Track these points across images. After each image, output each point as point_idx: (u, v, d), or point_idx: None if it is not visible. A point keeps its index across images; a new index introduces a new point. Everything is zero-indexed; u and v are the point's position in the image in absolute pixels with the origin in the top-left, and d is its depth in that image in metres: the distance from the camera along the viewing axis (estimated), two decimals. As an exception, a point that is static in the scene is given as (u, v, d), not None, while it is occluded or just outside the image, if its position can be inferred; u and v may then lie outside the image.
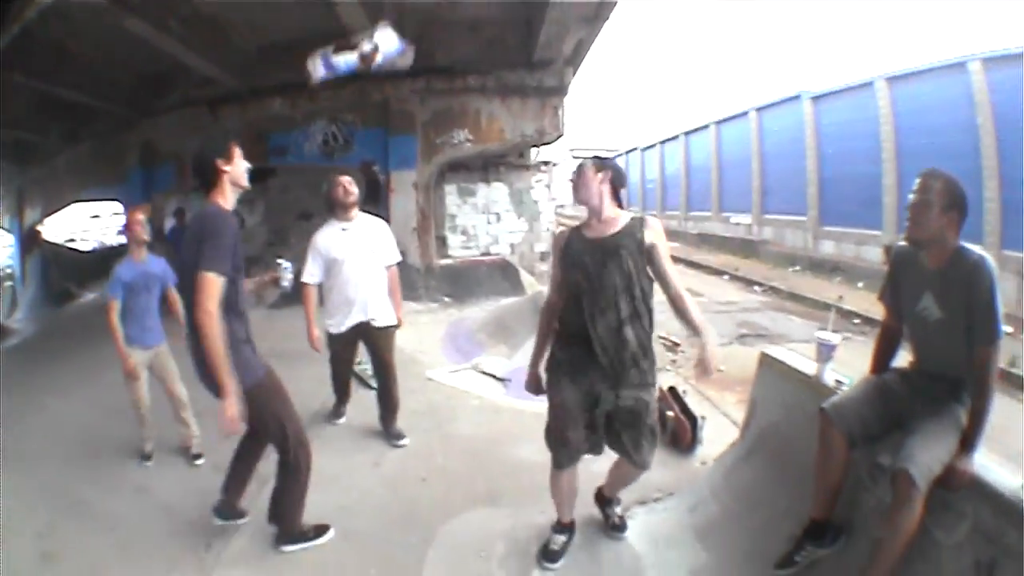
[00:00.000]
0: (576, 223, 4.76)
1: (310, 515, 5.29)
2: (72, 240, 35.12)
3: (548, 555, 4.72)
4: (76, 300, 22.11)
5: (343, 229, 6.94)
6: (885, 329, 4.23)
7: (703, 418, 6.52)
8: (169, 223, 18.38)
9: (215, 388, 4.35)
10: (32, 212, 25.14)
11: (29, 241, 25.73)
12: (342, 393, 7.80)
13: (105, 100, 17.13)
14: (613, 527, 5.04)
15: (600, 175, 4.51)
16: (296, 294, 14.07)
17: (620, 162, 40.49)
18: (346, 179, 6.93)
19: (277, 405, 4.84)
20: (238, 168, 4.66)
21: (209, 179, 4.60)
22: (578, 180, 4.60)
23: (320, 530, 5.24)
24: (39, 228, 25.94)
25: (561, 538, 4.81)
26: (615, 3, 12.03)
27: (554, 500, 4.88)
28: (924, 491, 3.30)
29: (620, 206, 4.58)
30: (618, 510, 5.15)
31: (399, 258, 7.34)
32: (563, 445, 4.60)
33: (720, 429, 6.60)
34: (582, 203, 4.59)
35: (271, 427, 4.88)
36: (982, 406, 3.51)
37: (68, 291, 23.30)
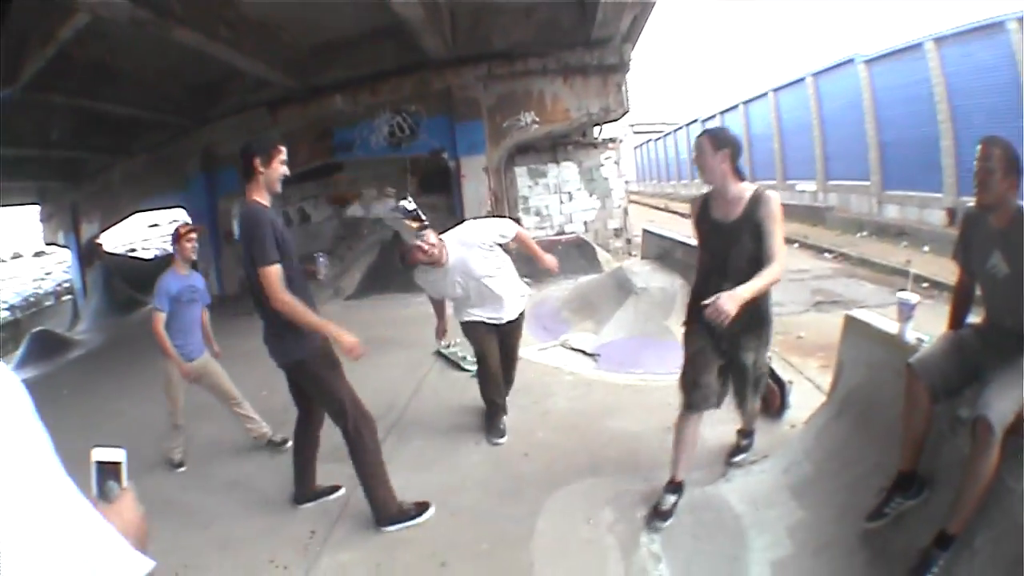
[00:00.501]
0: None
1: (416, 494, 5.47)
2: (133, 250, 35.57)
3: (659, 515, 4.92)
4: (142, 308, 22.36)
5: (445, 273, 6.53)
6: (959, 286, 4.38)
7: (791, 383, 6.61)
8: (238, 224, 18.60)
9: (292, 366, 5.26)
10: (89, 226, 25.30)
11: (88, 254, 25.98)
12: (500, 398, 6.95)
13: (157, 111, 17.39)
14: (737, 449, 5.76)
15: (720, 154, 4.75)
16: (373, 283, 13.65)
17: (682, 134, 40.73)
18: (419, 244, 6.28)
19: (332, 376, 5.24)
20: (274, 173, 4.93)
21: (246, 173, 4.94)
22: (699, 159, 4.87)
23: (421, 507, 5.36)
24: (98, 241, 26.22)
25: (672, 498, 5.00)
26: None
27: (673, 451, 5.11)
28: (1000, 437, 3.41)
29: (741, 178, 4.88)
30: (744, 442, 5.77)
31: (512, 229, 6.74)
32: (696, 388, 5.02)
33: (805, 394, 6.62)
34: (707, 183, 4.91)
35: (326, 396, 5.29)
36: None
37: (133, 299, 23.59)
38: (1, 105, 13.36)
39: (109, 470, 1.71)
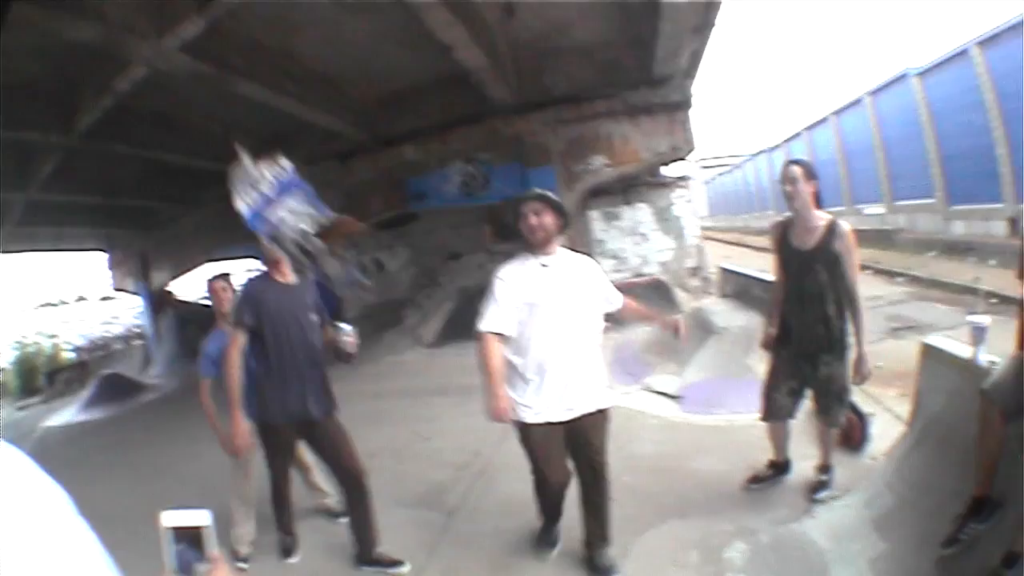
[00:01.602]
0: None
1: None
2: (206, 297, 36.16)
3: (753, 480, 5.97)
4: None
5: (543, 264, 5.04)
6: None
7: (872, 415, 6.70)
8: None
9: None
10: (160, 274, 25.98)
11: (160, 301, 26.69)
12: (552, 512, 5.63)
13: (223, 163, 17.34)
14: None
15: (811, 183, 5.26)
16: (453, 330, 13.67)
17: (749, 167, 40.41)
18: (533, 208, 4.98)
19: (267, 451, 5.73)
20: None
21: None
22: (792, 187, 5.27)
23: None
24: (168, 289, 26.86)
25: (769, 472, 6.00)
26: (720, 3, 12.02)
27: (771, 444, 6.08)
28: None
29: (819, 207, 5.34)
30: (824, 477, 5.84)
31: (619, 299, 5.42)
32: (770, 401, 5.83)
33: (885, 425, 6.69)
34: (795, 211, 5.28)
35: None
36: None
37: (207, 346, 24.05)
38: (61, 153, 13.92)
39: (189, 538, 1.48)
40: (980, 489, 4.06)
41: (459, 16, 10.09)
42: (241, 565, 5.97)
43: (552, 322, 4.91)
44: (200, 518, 1.48)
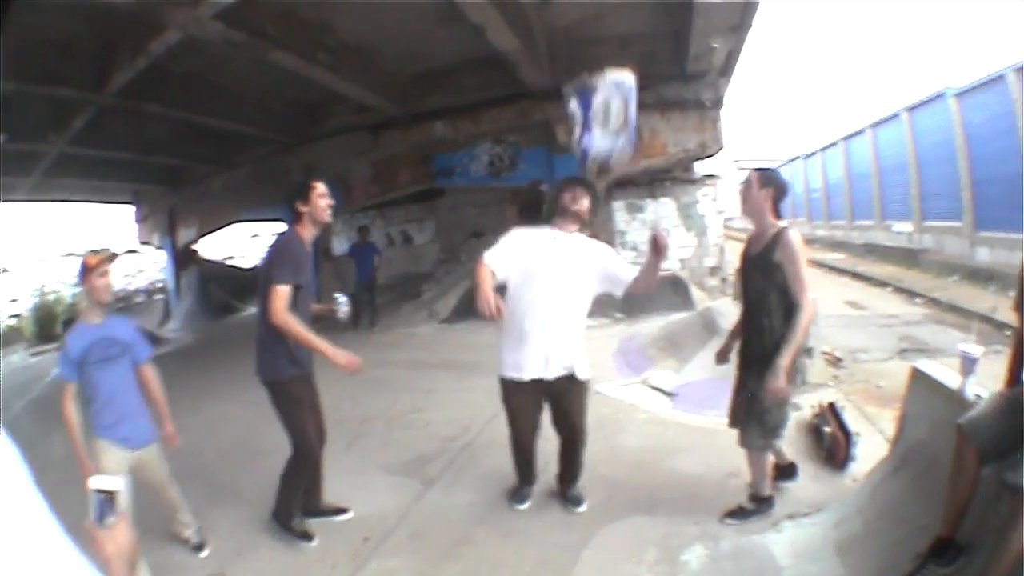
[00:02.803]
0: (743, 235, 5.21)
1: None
2: (231, 258, 36.26)
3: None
4: (237, 313, 22.92)
5: (554, 238, 5.57)
6: (1019, 339, 4.19)
7: (858, 435, 6.57)
8: (347, 240, 20.78)
9: (266, 384, 5.55)
10: (187, 231, 26.09)
11: (184, 258, 26.84)
12: (525, 470, 6.24)
13: (257, 127, 17.81)
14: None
15: (764, 191, 5.22)
16: (468, 308, 13.78)
17: (785, 171, 39.83)
18: (577, 192, 5.60)
19: (290, 410, 5.56)
20: (316, 208, 5.50)
21: (294, 215, 5.51)
22: (745, 192, 5.32)
23: (338, 510, 6.09)
24: (194, 246, 27.05)
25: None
26: (758, 3, 11.96)
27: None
28: None
29: (778, 218, 5.27)
30: (748, 505, 5.64)
31: (631, 272, 5.65)
32: (731, 410, 5.71)
33: (875, 446, 6.54)
34: (746, 216, 5.31)
35: (285, 424, 5.61)
36: None
37: (228, 304, 24.21)
38: (94, 109, 14.07)
39: (107, 498, 1.92)
40: (945, 530, 3.94)
41: (493, -1, 10.06)
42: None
43: (545, 290, 5.44)
44: (116, 483, 1.93)
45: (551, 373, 5.55)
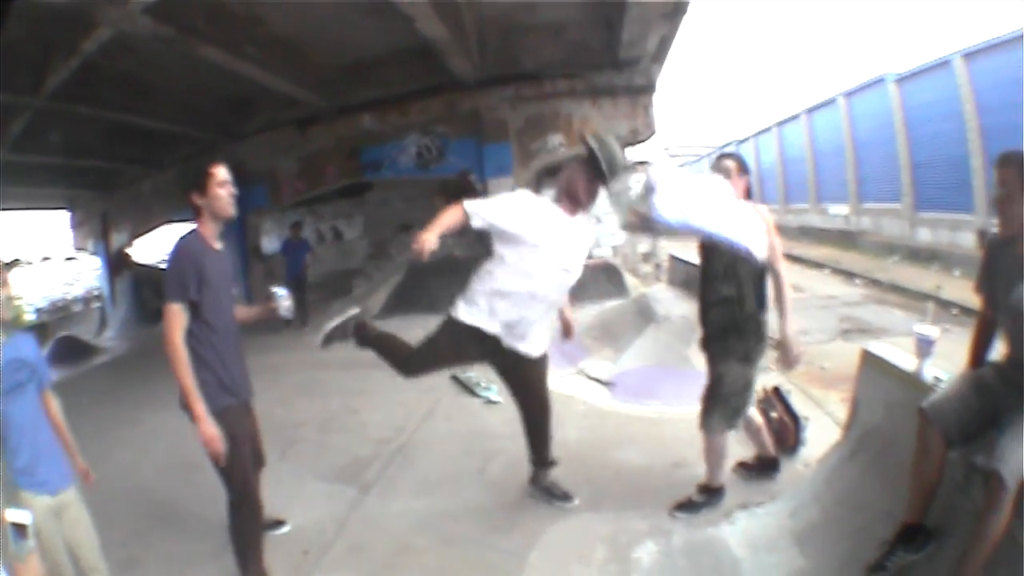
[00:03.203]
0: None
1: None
2: (163, 261, 36.01)
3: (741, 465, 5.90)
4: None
5: (564, 218, 5.27)
6: (981, 320, 4.13)
7: (806, 419, 6.43)
8: (280, 237, 19.71)
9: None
10: (119, 235, 25.73)
11: (117, 263, 26.41)
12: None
13: (185, 125, 17.50)
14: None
15: (742, 178, 5.28)
16: (399, 303, 13.29)
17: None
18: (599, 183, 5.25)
19: (226, 447, 4.50)
20: (215, 199, 4.50)
21: (194, 212, 4.60)
22: (727, 182, 5.16)
23: None
24: (127, 251, 26.61)
25: (752, 465, 5.91)
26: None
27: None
28: (1013, 493, 3.20)
29: (749, 199, 5.30)
30: (696, 498, 5.48)
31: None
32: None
33: (824, 429, 6.50)
34: None
35: (216, 464, 4.63)
36: None
37: (160, 310, 23.94)
38: (27, 114, 13.67)
39: (19, 530, 2.08)
40: (913, 516, 3.79)
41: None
42: None
43: (546, 266, 5.13)
44: (25, 517, 2.17)
45: (529, 350, 5.50)
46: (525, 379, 5.74)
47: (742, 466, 5.94)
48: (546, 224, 5.12)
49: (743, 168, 5.36)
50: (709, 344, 5.34)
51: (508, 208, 5.14)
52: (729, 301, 5.13)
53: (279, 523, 5.72)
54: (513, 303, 5.16)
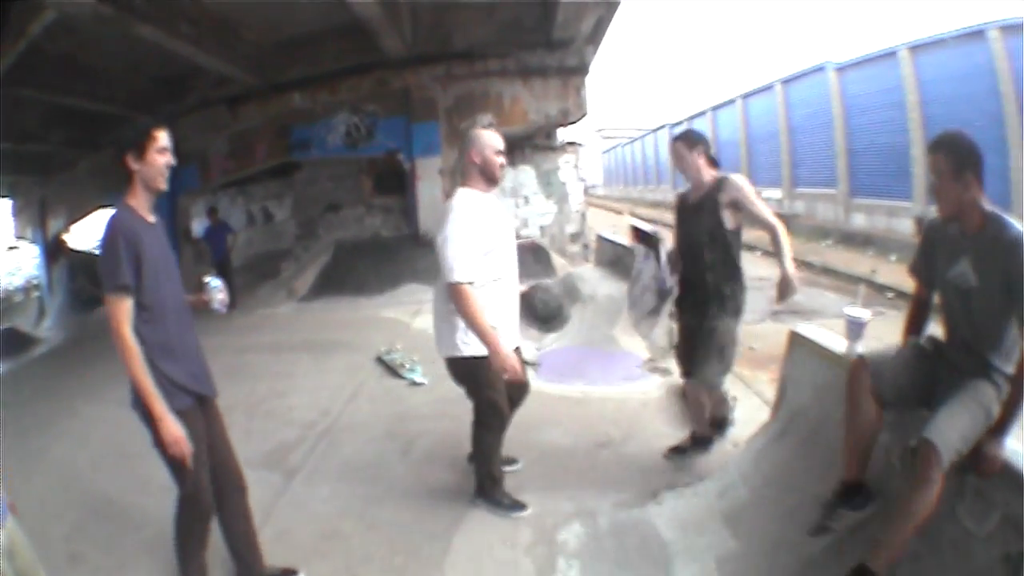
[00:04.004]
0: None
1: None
2: (98, 246, 35.56)
3: (674, 450, 5.94)
4: (103, 306, 22.40)
5: (495, 204, 5.22)
6: (916, 301, 4.18)
7: (734, 398, 6.47)
8: (202, 223, 19.45)
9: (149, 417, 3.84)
10: (56, 221, 25.45)
11: (54, 250, 26.09)
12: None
13: (121, 106, 17.28)
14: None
15: (694, 151, 5.46)
16: (326, 284, 12.92)
17: (650, 140, 41.52)
18: (502, 148, 5.10)
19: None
20: (152, 166, 3.89)
21: (123, 176, 3.96)
22: (679, 163, 5.59)
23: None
24: (63, 237, 26.29)
25: (687, 443, 5.96)
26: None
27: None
28: (946, 467, 3.17)
29: (715, 167, 5.55)
30: (685, 446, 5.89)
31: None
32: (677, 358, 5.94)
33: (752, 410, 6.60)
34: (688, 179, 5.60)
35: (168, 466, 4.02)
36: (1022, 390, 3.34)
37: (97, 297, 23.58)
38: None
39: None
40: (851, 473, 3.77)
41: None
42: None
43: (510, 261, 5.20)
44: None
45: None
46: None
47: (675, 451, 5.96)
48: (493, 220, 5.02)
49: (692, 143, 5.47)
50: (698, 303, 5.48)
51: (475, 238, 4.81)
52: (717, 264, 5.36)
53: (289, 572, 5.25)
54: (499, 307, 5.07)
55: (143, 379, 3.73)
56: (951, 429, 3.23)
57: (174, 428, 3.78)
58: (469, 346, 4.96)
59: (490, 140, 5.04)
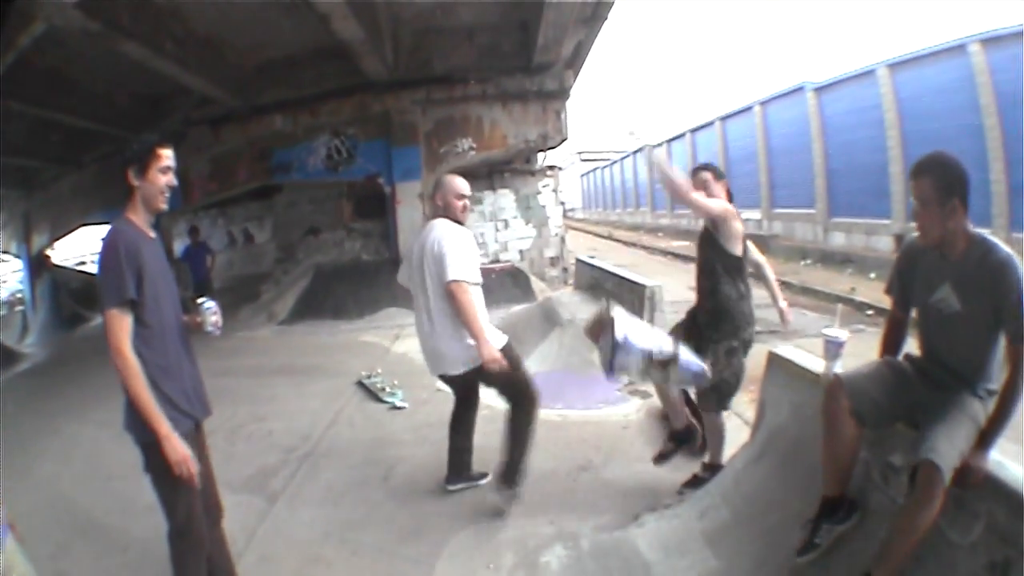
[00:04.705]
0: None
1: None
2: (82, 263, 35.23)
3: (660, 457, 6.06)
4: (87, 323, 22.26)
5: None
6: (891, 320, 4.18)
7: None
8: (182, 243, 19.24)
9: (144, 443, 3.72)
10: (39, 237, 25.15)
11: (37, 266, 25.77)
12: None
13: (105, 124, 17.17)
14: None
15: (720, 183, 5.75)
16: (306, 308, 12.87)
17: (627, 163, 41.64)
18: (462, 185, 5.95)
19: (171, 478, 3.73)
20: (152, 186, 3.84)
21: (125, 189, 3.90)
22: (706, 190, 5.62)
23: None
24: (47, 253, 26.08)
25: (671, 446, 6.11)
26: (612, 3, 11.98)
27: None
28: (948, 483, 3.18)
29: (730, 200, 5.74)
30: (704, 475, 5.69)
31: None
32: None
33: (732, 430, 6.44)
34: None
35: (162, 487, 3.85)
36: (1010, 404, 3.37)
37: (79, 314, 23.46)
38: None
39: None
40: (832, 489, 3.78)
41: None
42: None
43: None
44: None
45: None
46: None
47: (661, 457, 6.07)
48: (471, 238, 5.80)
49: (720, 175, 5.86)
50: (706, 330, 5.71)
51: (469, 245, 5.70)
52: (707, 290, 5.67)
53: None
54: (482, 310, 5.70)
55: (146, 399, 3.58)
56: (950, 448, 3.25)
57: (180, 447, 3.63)
58: None
59: (452, 186, 5.88)
